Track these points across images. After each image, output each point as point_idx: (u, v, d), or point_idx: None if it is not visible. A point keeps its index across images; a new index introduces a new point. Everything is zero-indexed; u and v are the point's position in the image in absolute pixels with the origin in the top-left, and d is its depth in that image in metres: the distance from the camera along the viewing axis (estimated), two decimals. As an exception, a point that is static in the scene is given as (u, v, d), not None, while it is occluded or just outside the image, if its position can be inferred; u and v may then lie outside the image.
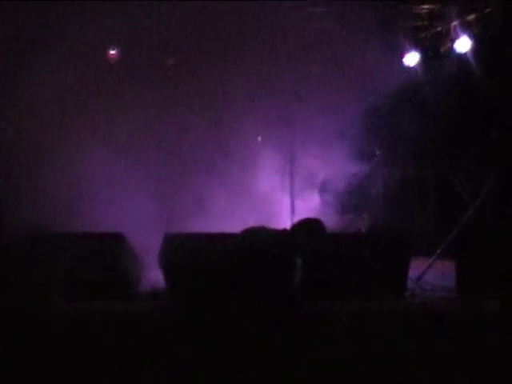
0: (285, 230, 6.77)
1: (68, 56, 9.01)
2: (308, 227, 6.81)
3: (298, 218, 9.21)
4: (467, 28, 10.53)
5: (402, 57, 11.08)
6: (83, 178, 9.00)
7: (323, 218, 9.21)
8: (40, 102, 8.82)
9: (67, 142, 8.94)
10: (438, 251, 8.44)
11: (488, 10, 10.28)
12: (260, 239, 6.67)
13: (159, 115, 9.27)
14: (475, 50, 10.59)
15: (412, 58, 11.01)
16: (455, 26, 10.57)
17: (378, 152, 10.02)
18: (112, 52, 10.15)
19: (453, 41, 10.68)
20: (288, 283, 6.78)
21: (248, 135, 10.37)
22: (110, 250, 7.75)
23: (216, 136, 9.70)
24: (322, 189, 9.94)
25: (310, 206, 9.86)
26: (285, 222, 9.19)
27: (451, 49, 10.74)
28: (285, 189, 9.80)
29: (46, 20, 8.79)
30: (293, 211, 9.42)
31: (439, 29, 10.84)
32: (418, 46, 10.97)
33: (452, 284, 7.69)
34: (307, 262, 7.42)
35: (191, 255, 7.56)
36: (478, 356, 6.84)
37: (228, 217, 9.49)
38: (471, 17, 10.49)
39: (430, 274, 8.31)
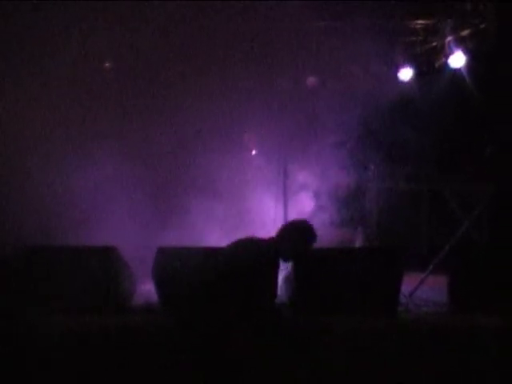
0: (272, 239, 6.81)
1: (63, 69, 9.02)
2: (296, 228, 6.87)
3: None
4: (461, 43, 10.57)
5: (397, 71, 11.14)
6: (76, 192, 9.01)
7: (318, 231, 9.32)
8: (31, 115, 8.82)
9: (58, 155, 8.95)
10: (431, 266, 8.44)
11: (482, 25, 10.31)
12: (248, 250, 6.73)
13: (153, 129, 9.27)
14: (469, 65, 10.63)
15: (406, 73, 11.05)
16: (450, 42, 10.61)
17: (371, 166, 10.02)
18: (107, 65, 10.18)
19: (447, 56, 10.72)
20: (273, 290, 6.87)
21: (243, 146, 10.43)
22: (103, 263, 7.71)
23: (211, 148, 9.71)
24: (317, 202, 9.94)
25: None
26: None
27: (445, 64, 10.78)
28: (278, 200, 9.78)
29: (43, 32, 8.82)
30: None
31: (434, 44, 10.88)
32: (412, 61, 11.01)
33: (445, 299, 7.68)
34: (301, 277, 7.45)
35: (184, 268, 7.55)
36: (473, 371, 6.86)
37: (220, 231, 9.53)
38: (465, 32, 10.54)
39: (423, 290, 8.30)
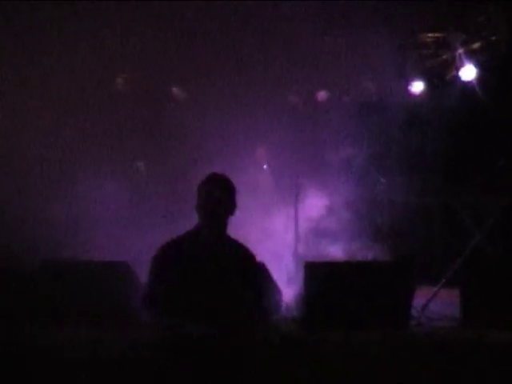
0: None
1: (74, 83, 9.06)
2: None
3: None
4: (472, 56, 10.56)
5: (408, 84, 11.13)
6: (88, 207, 9.03)
7: (330, 247, 9.31)
8: (47, 130, 8.86)
9: (72, 170, 8.97)
10: (443, 280, 8.41)
11: (493, 38, 10.30)
12: None
13: (165, 144, 9.29)
14: (480, 78, 10.61)
15: (418, 86, 11.05)
16: (460, 54, 10.60)
17: (382, 180, 10.02)
18: (119, 79, 10.22)
19: (458, 69, 10.71)
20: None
21: (254, 163, 10.43)
22: (115, 278, 7.73)
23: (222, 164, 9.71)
24: (328, 216, 9.92)
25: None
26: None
27: (456, 77, 10.77)
28: (289, 213, 9.78)
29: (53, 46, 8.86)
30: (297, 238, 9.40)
31: (445, 57, 10.87)
32: (423, 73, 11.01)
33: (457, 313, 7.64)
34: (312, 290, 7.44)
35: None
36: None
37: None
38: (476, 45, 10.52)
39: (436, 303, 8.27)
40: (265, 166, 10.68)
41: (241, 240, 9.56)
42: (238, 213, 8.79)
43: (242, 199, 9.66)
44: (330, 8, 9.24)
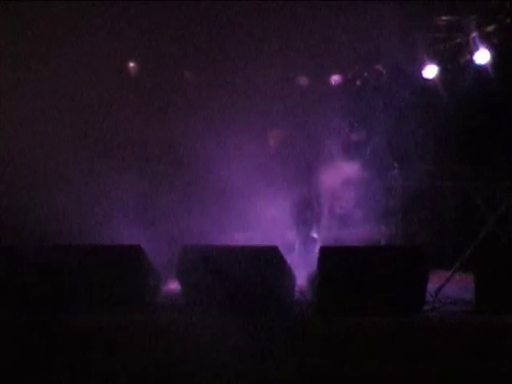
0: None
1: (86, 70, 9.03)
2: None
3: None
4: (486, 40, 10.49)
5: (421, 69, 11.08)
6: (102, 192, 9.04)
7: (340, 231, 9.31)
8: (56, 117, 8.84)
9: (86, 156, 8.97)
10: (457, 264, 8.37)
11: (508, 20, 10.22)
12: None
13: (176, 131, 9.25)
14: (495, 61, 10.54)
15: (431, 71, 10.99)
16: (474, 38, 10.52)
17: (396, 165, 9.97)
18: (131, 65, 10.20)
19: (472, 52, 10.64)
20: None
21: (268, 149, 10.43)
22: (128, 262, 7.74)
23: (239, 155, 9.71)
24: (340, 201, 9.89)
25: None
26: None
27: (470, 60, 10.70)
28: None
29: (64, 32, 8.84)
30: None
31: (458, 40, 10.79)
32: (436, 58, 10.94)
33: (472, 297, 7.62)
34: (325, 275, 7.43)
35: (208, 267, 7.57)
36: (499, 369, 6.80)
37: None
38: (490, 28, 10.44)
39: (450, 288, 8.24)
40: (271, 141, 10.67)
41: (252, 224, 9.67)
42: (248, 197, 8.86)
43: (251, 183, 9.75)
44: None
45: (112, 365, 7.13)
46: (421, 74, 11.09)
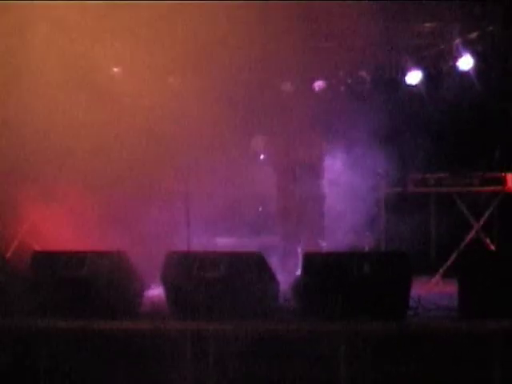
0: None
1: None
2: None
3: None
4: (470, 46, 10.55)
5: (404, 75, 11.12)
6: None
7: (327, 236, 9.30)
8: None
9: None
10: (441, 270, 8.40)
11: (490, 27, 10.29)
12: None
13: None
14: (478, 67, 10.61)
15: (414, 77, 11.04)
16: (457, 44, 10.58)
17: (379, 170, 10.00)
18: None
19: (455, 59, 10.70)
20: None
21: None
22: (111, 267, 7.70)
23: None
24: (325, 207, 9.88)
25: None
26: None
27: (454, 67, 10.76)
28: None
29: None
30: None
31: (441, 47, 10.85)
32: (420, 64, 10.99)
33: (455, 303, 7.63)
34: (309, 281, 7.43)
35: (192, 272, 7.55)
36: (481, 376, 6.83)
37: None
38: (473, 35, 10.50)
39: (434, 294, 8.27)
40: (261, 156, 10.66)
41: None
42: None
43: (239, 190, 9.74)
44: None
45: (92, 373, 7.14)
46: (404, 80, 11.15)
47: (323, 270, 7.47)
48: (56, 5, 8.54)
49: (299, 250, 8.92)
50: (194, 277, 7.51)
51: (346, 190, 10.10)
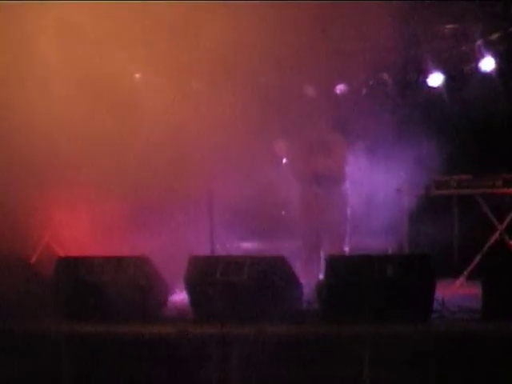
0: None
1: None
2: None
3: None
4: (491, 47, 10.52)
5: (426, 77, 11.10)
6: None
7: (350, 240, 9.29)
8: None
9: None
10: (465, 272, 8.37)
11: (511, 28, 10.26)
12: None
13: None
14: (499, 68, 10.57)
15: (436, 79, 11.01)
16: (479, 46, 10.55)
17: (402, 173, 9.97)
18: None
19: (477, 60, 10.66)
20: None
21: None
22: (135, 272, 7.74)
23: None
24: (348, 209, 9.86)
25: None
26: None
27: (476, 68, 10.72)
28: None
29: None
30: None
31: (463, 48, 10.81)
32: (441, 66, 10.97)
33: (479, 306, 7.61)
34: (332, 283, 7.44)
35: (216, 276, 7.59)
36: (506, 378, 6.80)
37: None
38: (495, 36, 10.46)
39: (458, 296, 8.24)
40: (284, 160, 10.67)
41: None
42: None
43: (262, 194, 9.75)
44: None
45: (117, 376, 7.17)
46: (426, 83, 11.13)
47: (346, 273, 7.48)
48: (68, 10, 8.56)
49: (322, 254, 8.89)
50: (217, 281, 7.55)
51: (368, 193, 10.10)
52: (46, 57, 8.68)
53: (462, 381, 6.96)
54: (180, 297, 8.48)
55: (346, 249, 9.29)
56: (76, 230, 9.10)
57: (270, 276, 7.43)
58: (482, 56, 10.56)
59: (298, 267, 8.84)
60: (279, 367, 7.06)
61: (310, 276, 8.66)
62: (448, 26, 10.56)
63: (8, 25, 8.48)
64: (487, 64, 10.57)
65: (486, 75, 10.67)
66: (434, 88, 11.11)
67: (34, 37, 8.59)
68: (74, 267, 7.88)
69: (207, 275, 7.62)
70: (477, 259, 8.31)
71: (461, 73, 10.93)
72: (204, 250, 9.33)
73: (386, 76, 11.17)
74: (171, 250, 8.98)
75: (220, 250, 9.77)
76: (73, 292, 7.70)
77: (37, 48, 8.61)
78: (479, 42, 10.51)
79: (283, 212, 10.68)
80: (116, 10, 8.52)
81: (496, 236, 8.43)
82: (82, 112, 8.73)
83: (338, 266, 7.59)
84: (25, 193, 8.73)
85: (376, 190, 10.20)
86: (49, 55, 8.69)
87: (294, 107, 9.61)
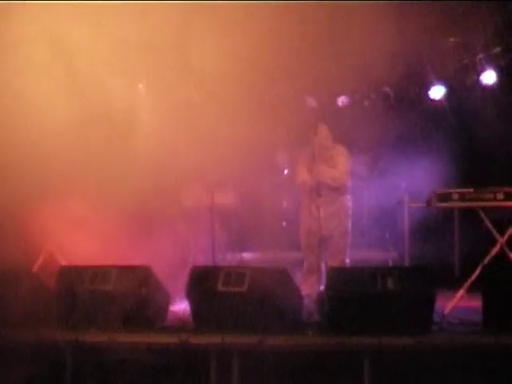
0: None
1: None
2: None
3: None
4: (493, 60, 10.55)
5: (428, 90, 11.14)
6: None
7: (351, 251, 9.31)
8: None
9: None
10: (465, 285, 8.38)
11: (514, 42, 10.30)
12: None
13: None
14: (501, 82, 10.61)
15: (438, 92, 11.05)
16: (481, 59, 10.59)
17: (403, 185, 10.02)
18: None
19: (479, 73, 10.70)
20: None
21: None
22: (137, 282, 7.76)
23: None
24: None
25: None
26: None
27: (477, 81, 10.76)
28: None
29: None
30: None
31: (465, 61, 10.85)
32: (443, 78, 11.00)
33: (479, 318, 7.63)
34: (333, 295, 7.45)
35: (217, 287, 7.60)
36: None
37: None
38: (497, 49, 10.50)
39: (458, 308, 8.25)
40: (286, 171, 10.72)
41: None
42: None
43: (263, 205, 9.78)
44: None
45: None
46: (428, 95, 11.17)
47: (347, 284, 7.49)
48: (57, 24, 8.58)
49: (323, 265, 8.91)
50: (218, 292, 7.57)
51: (369, 205, 10.13)
52: (39, 68, 8.72)
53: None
54: (181, 307, 8.50)
55: (347, 261, 9.30)
56: (78, 239, 9.12)
57: (271, 287, 7.44)
58: (484, 69, 10.59)
59: (298, 278, 8.88)
60: (280, 379, 7.07)
61: (311, 288, 8.69)
62: (450, 39, 10.59)
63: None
64: (489, 77, 10.61)
65: (487, 88, 10.69)
66: (436, 100, 11.14)
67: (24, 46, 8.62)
68: (76, 276, 7.90)
69: (208, 286, 7.65)
70: (477, 272, 8.32)
71: (462, 86, 10.96)
72: (205, 261, 9.37)
73: (387, 88, 11.21)
74: (172, 259, 9.02)
75: (221, 261, 9.81)
76: (75, 301, 7.70)
77: (29, 58, 8.64)
78: (481, 56, 10.54)
79: (284, 223, 10.71)
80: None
81: (497, 249, 8.43)
82: (83, 123, 8.76)
83: (338, 277, 7.60)
84: (27, 203, 8.77)
85: (377, 202, 10.24)
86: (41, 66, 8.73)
87: (296, 118, 9.66)
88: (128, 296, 7.63)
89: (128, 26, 8.36)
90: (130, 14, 8.34)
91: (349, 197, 9.38)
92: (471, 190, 8.57)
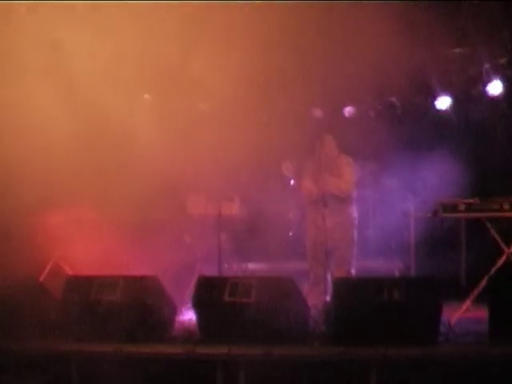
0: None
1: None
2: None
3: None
4: (499, 71, 10.56)
5: (434, 100, 11.15)
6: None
7: (357, 262, 9.31)
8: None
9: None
10: (472, 295, 8.37)
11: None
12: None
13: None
14: (507, 92, 10.62)
15: (444, 102, 11.06)
16: (487, 69, 10.60)
17: (409, 195, 10.01)
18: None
19: (485, 84, 10.71)
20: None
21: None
22: (143, 292, 7.77)
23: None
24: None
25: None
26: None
27: (483, 92, 10.77)
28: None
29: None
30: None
31: (471, 72, 10.86)
32: (449, 89, 11.01)
33: (485, 329, 7.61)
34: (339, 305, 7.46)
35: (224, 297, 7.61)
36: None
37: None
38: (503, 60, 10.51)
39: (464, 319, 8.24)
40: (292, 181, 10.73)
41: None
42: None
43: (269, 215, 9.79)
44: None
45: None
46: (434, 106, 11.18)
47: (353, 295, 7.49)
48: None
49: (329, 276, 8.91)
50: (225, 302, 7.57)
51: (375, 215, 10.12)
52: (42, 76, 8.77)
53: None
54: (187, 317, 8.51)
55: (353, 271, 9.30)
56: (84, 249, 9.15)
57: (278, 298, 7.45)
58: (490, 79, 10.60)
59: (305, 289, 8.87)
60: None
61: (317, 298, 8.68)
62: (456, 50, 10.61)
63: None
64: (495, 88, 10.61)
65: (493, 99, 10.70)
66: (442, 111, 11.15)
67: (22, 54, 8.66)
68: (82, 286, 7.92)
69: (215, 296, 7.65)
70: (484, 282, 8.31)
71: (468, 96, 10.97)
72: (211, 271, 9.37)
73: (394, 99, 11.23)
74: (179, 269, 9.03)
75: (227, 271, 9.81)
76: (81, 311, 7.72)
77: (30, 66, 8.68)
78: (487, 66, 10.55)
79: (290, 233, 10.71)
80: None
81: (503, 259, 8.42)
82: (87, 133, 8.80)
83: (345, 288, 7.61)
84: (33, 213, 8.81)
85: (383, 212, 10.23)
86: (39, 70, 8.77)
87: (303, 129, 9.68)
88: (134, 306, 7.64)
89: (127, 36, 8.42)
90: (129, 24, 8.42)
91: (355, 207, 9.37)
92: (477, 200, 8.57)
